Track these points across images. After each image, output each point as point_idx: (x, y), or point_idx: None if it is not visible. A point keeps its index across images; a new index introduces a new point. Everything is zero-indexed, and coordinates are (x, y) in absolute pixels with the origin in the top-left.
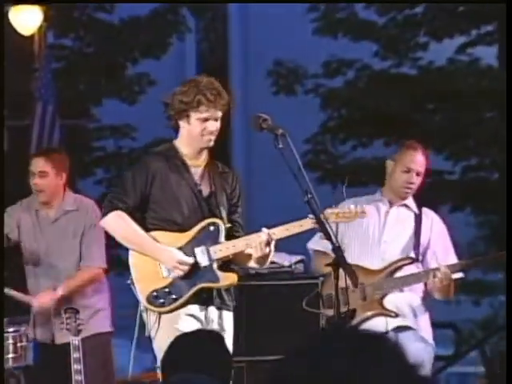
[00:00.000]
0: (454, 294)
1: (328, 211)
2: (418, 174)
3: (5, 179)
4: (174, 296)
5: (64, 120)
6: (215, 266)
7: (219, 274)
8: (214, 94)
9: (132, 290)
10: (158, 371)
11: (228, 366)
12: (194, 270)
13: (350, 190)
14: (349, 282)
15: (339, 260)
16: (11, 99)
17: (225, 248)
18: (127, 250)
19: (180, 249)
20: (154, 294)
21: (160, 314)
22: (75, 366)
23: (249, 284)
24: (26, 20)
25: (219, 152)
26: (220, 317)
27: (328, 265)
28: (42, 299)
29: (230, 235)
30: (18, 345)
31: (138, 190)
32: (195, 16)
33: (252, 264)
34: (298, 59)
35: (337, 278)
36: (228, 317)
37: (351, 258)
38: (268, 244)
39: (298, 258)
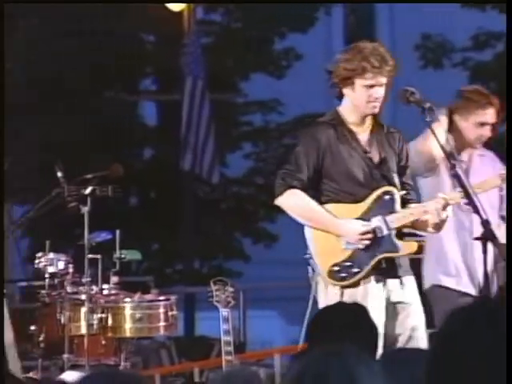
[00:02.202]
0: None
1: (475, 186)
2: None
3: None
4: (355, 269)
5: (213, 94)
6: (393, 235)
7: (398, 243)
8: (379, 59)
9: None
10: None
11: (371, 338)
12: (373, 241)
13: None
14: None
15: (487, 233)
16: (161, 74)
17: (402, 216)
18: (273, 222)
19: (358, 219)
20: (335, 268)
21: (342, 287)
22: (225, 338)
23: None
24: None
25: None
26: (401, 286)
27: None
28: None
29: (404, 202)
30: (169, 313)
31: (311, 165)
32: None
33: (429, 230)
34: (446, 33)
35: (485, 252)
36: (410, 285)
37: None
38: (444, 209)
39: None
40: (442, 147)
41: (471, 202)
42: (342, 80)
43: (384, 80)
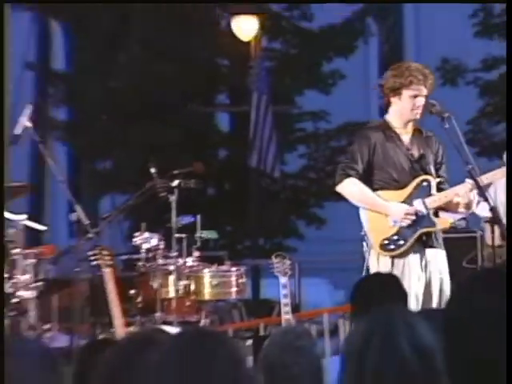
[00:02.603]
0: None
1: (482, 177)
2: None
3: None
4: (401, 242)
5: (274, 107)
6: (431, 214)
7: (435, 220)
8: (422, 75)
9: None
10: None
11: (402, 301)
12: (415, 219)
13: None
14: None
15: (495, 218)
16: (233, 91)
17: (438, 199)
18: (322, 209)
19: (402, 202)
20: (385, 241)
21: (392, 257)
22: (284, 301)
23: None
24: (246, 28)
25: None
26: (436, 256)
27: (487, 222)
28: None
29: (438, 188)
30: (239, 281)
31: (365, 159)
32: (378, 23)
33: (460, 210)
34: (461, 57)
35: (493, 232)
36: (442, 255)
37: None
38: (471, 191)
39: (463, 215)
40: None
41: (481, 192)
42: (392, 91)
43: (425, 92)
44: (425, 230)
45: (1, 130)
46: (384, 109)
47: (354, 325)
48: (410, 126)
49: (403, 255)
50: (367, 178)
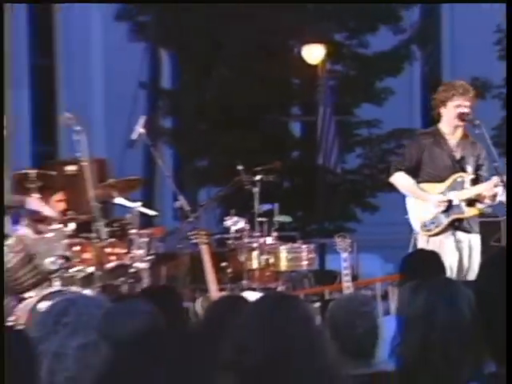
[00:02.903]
0: None
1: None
2: None
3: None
4: (436, 225)
5: (336, 116)
6: (462, 203)
7: (464, 208)
8: (463, 89)
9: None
10: None
11: (440, 274)
12: (449, 207)
13: None
14: None
15: None
16: (303, 104)
17: (468, 192)
18: (375, 198)
19: (440, 193)
20: (424, 224)
21: (429, 236)
22: (344, 271)
23: None
24: (314, 54)
25: None
26: (467, 238)
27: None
28: None
29: (475, 183)
30: (309, 256)
31: (413, 158)
32: (420, 49)
33: (487, 200)
34: (488, 76)
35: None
36: (474, 238)
37: None
38: (496, 186)
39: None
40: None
41: (506, 185)
42: (440, 103)
43: (467, 103)
44: (456, 216)
45: (0, 130)
46: (435, 118)
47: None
48: (459, 132)
49: (438, 235)
50: (415, 173)
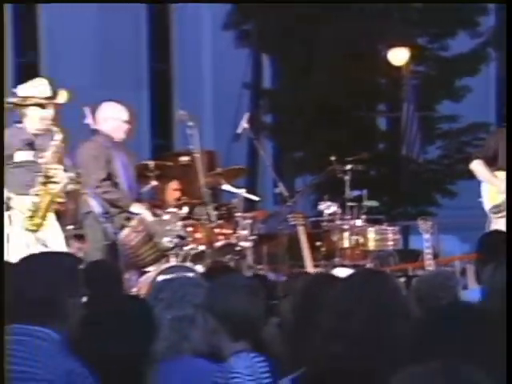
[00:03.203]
0: None
1: None
2: None
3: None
4: (503, 208)
5: (419, 113)
6: None
7: None
8: None
9: None
10: None
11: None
12: None
13: None
14: None
15: None
16: (389, 101)
17: None
18: (454, 185)
19: None
20: (494, 207)
21: (498, 218)
22: (426, 250)
23: None
24: (399, 57)
25: None
26: None
27: None
28: None
29: None
30: (394, 236)
31: (490, 149)
32: (496, 51)
33: None
34: None
35: None
36: None
37: None
38: None
39: None
40: None
41: None
42: None
43: None
44: None
45: (0, 129)
46: None
47: (490, 269)
48: None
49: (503, 217)
50: (491, 162)
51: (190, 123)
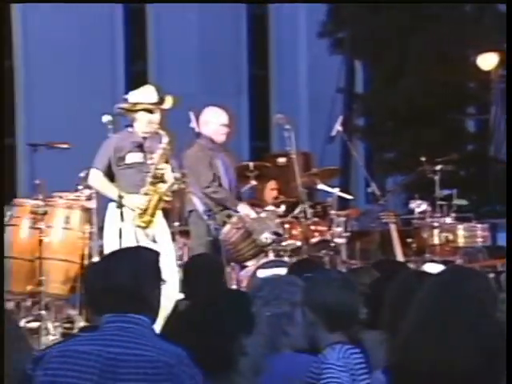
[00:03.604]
0: None
1: None
2: None
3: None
4: None
5: (506, 115)
6: None
7: None
8: None
9: None
10: None
11: None
12: None
13: None
14: None
15: None
16: (478, 104)
17: None
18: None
19: None
20: None
21: None
22: None
23: None
24: (488, 62)
25: None
26: None
27: None
28: None
29: None
30: (483, 233)
31: None
32: None
33: None
34: None
35: None
36: None
37: None
38: None
39: None
40: None
41: None
42: None
43: None
44: None
45: (0, 129)
46: None
47: None
48: None
49: None
50: None
51: (287, 126)
